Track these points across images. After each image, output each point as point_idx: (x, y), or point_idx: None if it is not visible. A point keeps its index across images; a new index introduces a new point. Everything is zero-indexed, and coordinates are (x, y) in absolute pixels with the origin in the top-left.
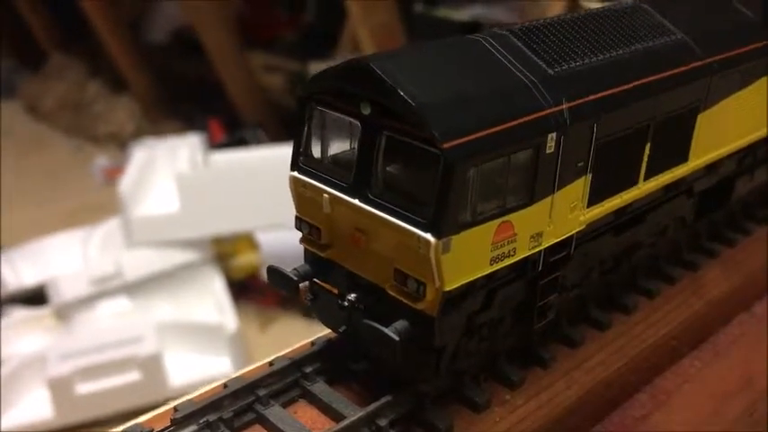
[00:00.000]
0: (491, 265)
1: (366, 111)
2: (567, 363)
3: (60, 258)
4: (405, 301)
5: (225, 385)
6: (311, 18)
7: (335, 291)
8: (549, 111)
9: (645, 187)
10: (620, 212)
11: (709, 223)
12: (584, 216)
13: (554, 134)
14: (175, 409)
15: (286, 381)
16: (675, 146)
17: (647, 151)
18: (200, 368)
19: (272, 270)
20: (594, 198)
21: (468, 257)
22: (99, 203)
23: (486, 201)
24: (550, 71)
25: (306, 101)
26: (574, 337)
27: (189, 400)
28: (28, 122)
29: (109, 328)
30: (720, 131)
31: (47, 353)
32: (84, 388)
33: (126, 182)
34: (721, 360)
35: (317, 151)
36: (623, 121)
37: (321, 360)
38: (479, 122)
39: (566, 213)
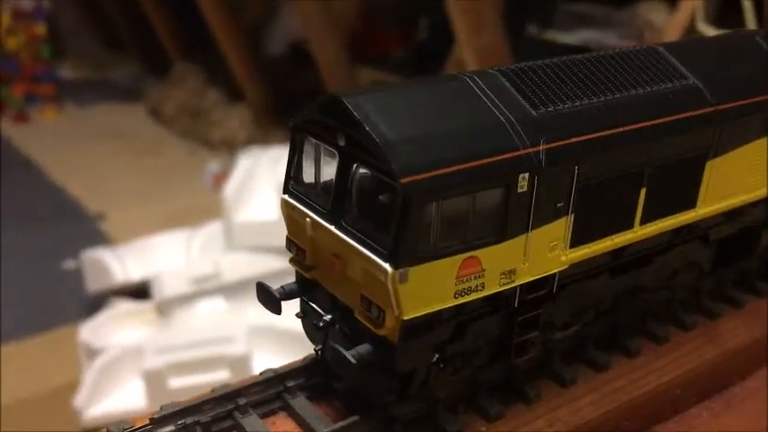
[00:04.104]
0: (455, 298)
1: (341, 142)
2: (554, 401)
3: (165, 256)
4: (368, 326)
5: (212, 390)
6: (423, 36)
7: (318, 310)
8: (522, 151)
9: (642, 231)
10: (616, 254)
11: (736, 272)
12: (567, 256)
13: (526, 174)
14: (161, 408)
15: (269, 392)
16: (679, 191)
17: (642, 195)
18: None
19: (260, 287)
20: (579, 239)
21: (428, 289)
22: (205, 206)
23: (449, 235)
24: (534, 112)
25: (296, 129)
26: (564, 376)
27: (174, 402)
28: (149, 125)
29: (204, 327)
30: (737, 179)
31: (145, 345)
32: (176, 382)
33: (230, 188)
34: (732, 413)
35: (306, 177)
36: (612, 165)
37: (306, 376)
38: (443, 159)
39: (544, 252)
